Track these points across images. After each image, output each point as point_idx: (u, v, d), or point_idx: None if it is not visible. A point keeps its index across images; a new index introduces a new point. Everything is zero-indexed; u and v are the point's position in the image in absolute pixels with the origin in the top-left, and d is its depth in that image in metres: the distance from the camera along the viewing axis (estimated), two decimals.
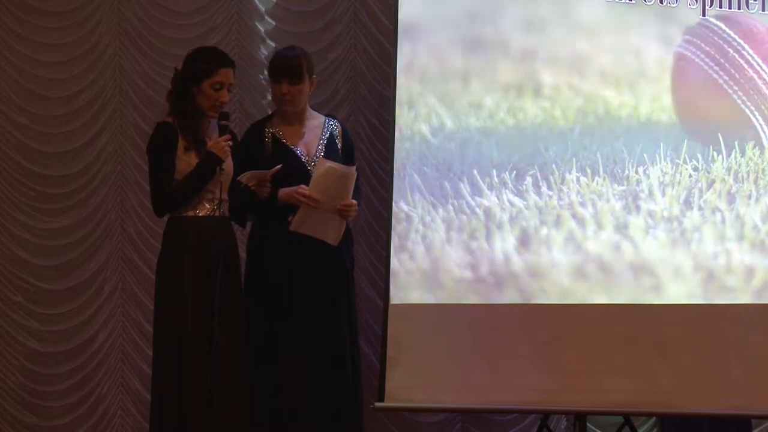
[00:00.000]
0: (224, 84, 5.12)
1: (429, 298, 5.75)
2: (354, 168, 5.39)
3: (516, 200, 5.75)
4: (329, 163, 5.33)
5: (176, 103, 5.13)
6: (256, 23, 6.27)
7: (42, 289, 6.12)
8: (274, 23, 6.27)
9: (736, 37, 5.90)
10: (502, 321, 5.76)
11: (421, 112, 5.81)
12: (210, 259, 5.10)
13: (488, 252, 5.75)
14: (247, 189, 5.17)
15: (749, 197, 5.84)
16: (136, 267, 6.15)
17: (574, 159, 5.80)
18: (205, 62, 5.11)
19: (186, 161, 5.09)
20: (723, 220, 5.82)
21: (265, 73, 5.82)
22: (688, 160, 5.84)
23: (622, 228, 5.79)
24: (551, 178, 5.77)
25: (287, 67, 5.44)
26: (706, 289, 5.82)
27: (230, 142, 5.11)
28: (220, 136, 5.11)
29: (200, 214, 5.14)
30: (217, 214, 5.15)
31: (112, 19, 6.15)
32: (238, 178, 5.16)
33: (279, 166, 5.20)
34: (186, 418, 5.02)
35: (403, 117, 5.79)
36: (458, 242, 5.74)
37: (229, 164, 5.14)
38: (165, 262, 5.16)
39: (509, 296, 5.76)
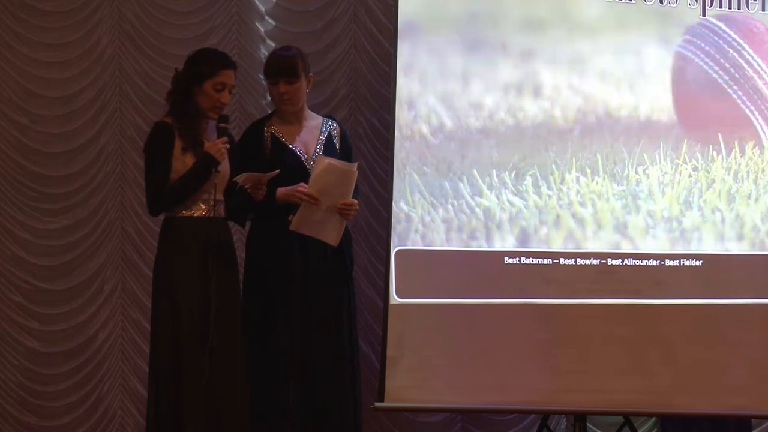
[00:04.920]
0: (226, 85, 5.12)
1: (429, 298, 5.75)
2: (355, 165, 5.38)
3: (516, 200, 5.75)
4: (329, 160, 5.32)
5: (176, 103, 5.13)
6: (256, 23, 6.27)
7: (42, 289, 6.11)
8: (274, 23, 6.27)
9: (736, 37, 5.90)
10: (502, 321, 5.76)
11: (421, 112, 5.81)
12: (206, 260, 5.09)
13: (488, 252, 5.75)
14: (243, 191, 5.16)
15: (749, 197, 5.85)
16: (136, 267, 6.15)
17: (574, 159, 5.80)
18: (208, 63, 5.11)
19: (182, 162, 5.09)
20: (723, 220, 5.83)
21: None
22: (687, 160, 5.84)
23: (621, 228, 5.79)
24: (551, 178, 5.77)
25: (283, 67, 5.44)
26: (706, 289, 5.83)
27: (227, 145, 5.11)
28: (218, 138, 5.11)
29: (195, 215, 5.13)
30: (212, 214, 5.14)
31: (112, 19, 6.14)
32: (235, 179, 5.16)
33: (276, 171, 5.18)
34: (183, 417, 5.02)
35: (403, 117, 5.79)
36: (458, 242, 5.74)
37: (225, 166, 5.13)
38: (161, 263, 5.17)
39: (509, 296, 5.77)
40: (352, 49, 6.32)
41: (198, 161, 5.06)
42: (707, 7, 5.93)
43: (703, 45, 5.90)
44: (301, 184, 5.32)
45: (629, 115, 5.89)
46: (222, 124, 5.13)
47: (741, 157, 5.87)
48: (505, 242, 5.75)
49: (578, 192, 5.78)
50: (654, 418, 6.43)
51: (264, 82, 5.74)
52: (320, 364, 5.43)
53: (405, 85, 5.80)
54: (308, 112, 5.57)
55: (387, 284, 5.76)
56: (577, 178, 5.78)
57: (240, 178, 5.13)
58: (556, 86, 5.86)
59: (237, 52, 6.13)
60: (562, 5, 5.93)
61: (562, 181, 5.77)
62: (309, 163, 5.44)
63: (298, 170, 5.39)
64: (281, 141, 5.47)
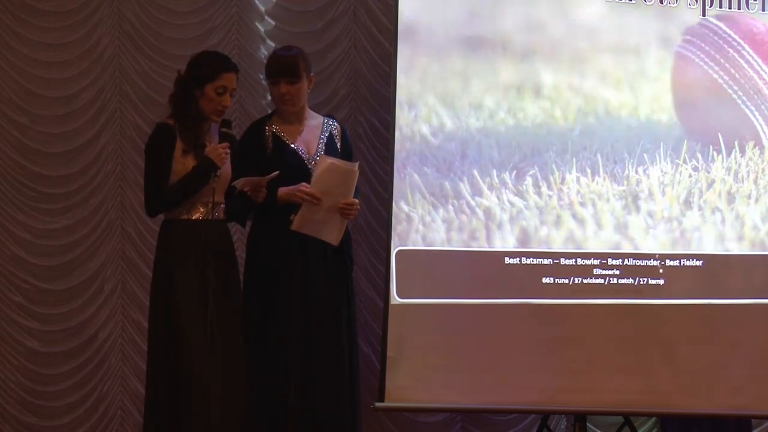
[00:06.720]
0: (227, 88, 5.12)
1: (429, 298, 5.75)
2: (356, 165, 5.39)
3: (516, 200, 5.75)
4: (331, 160, 5.33)
5: (178, 106, 5.14)
6: (256, 23, 6.27)
7: (42, 289, 6.11)
8: (274, 23, 6.27)
9: (736, 37, 5.90)
10: (502, 321, 5.76)
11: (421, 112, 5.81)
12: (204, 261, 5.09)
13: (488, 252, 5.75)
14: (243, 194, 5.16)
15: (749, 197, 5.85)
16: (136, 267, 6.15)
17: (574, 159, 5.80)
18: (209, 66, 5.11)
19: (183, 164, 5.09)
20: (723, 220, 5.83)
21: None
22: (688, 160, 5.84)
23: (622, 228, 5.80)
24: (551, 178, 5.77)
25: (284, 67, 5.44)
26: (706, 289, 5.83)
27: (228, 150, 5.10)
28: (219, 143, 5.11)
29: (194, 217, 5.14)
30: (211, 217, 5.14)
31: (112, 19, 6.14)
32: (233, 183, 5.16)
33: (276, 173, 5.18)
34: (182, 418, 5.02)
35: (403, 117, 5.79)
36: (459, 242, 5.74)
37: (225, 168, 5.13)
38: (159, 265, 5.17)
39: (510, 296, 5.77)
40: (352, 49, 6.32)
41: (198, 165, 5.07)
42: (707, 7, 5.94)
43: (703, 45, 5.90)
44: (303, 183, 5.32)
45: (629, 115, 5.89)
46: (225, 129, 5.14)
47: (741, 157, 5.87)
48: (505, 242, 5.75)
49: (578, 192, 5.78)
50: (654, 418, 6.43)
51: (264, 82, 5.74)
52: (320, 363, 5.43)
53: (405, 85, 5.80)
54: (309, 112, 5.57)
55: (387, 284, 5.76)
56: (578, 178, 5.78)
57: (239, 183, 5.12)
58: (556, 86, 5.86)
59: (237, 52, 6.13)
60: (562, 5, 5.92)
61: (563, 181, 5.78)
62: (310, 163, 5.45)
63: (299, 170, 5.39)
64: (283, 140, 5.47)
